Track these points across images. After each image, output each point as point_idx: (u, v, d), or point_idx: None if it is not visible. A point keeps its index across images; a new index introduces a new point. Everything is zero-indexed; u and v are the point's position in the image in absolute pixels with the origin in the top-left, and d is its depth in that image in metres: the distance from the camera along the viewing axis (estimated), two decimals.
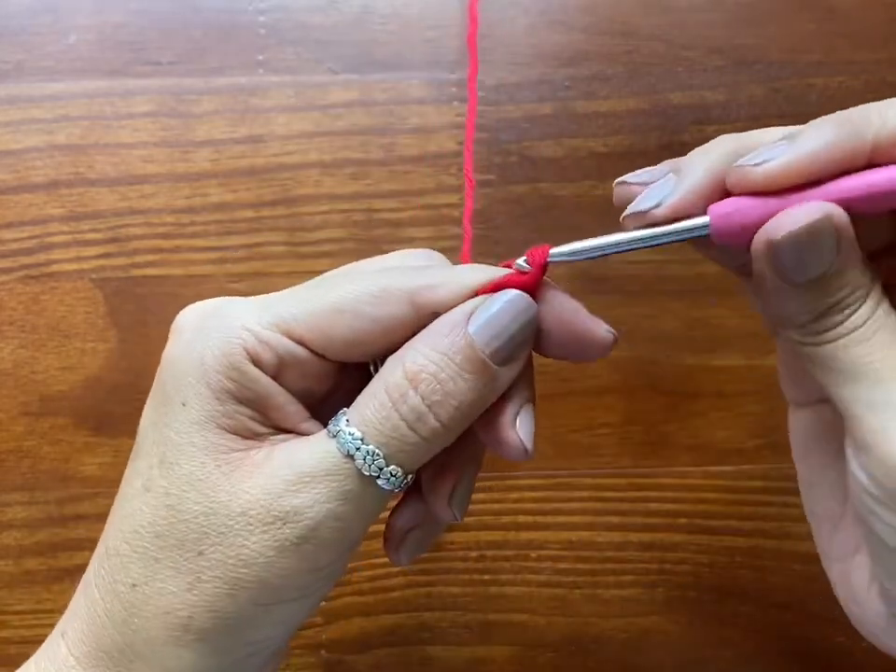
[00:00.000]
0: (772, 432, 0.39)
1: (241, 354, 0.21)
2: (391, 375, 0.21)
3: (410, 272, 0.23)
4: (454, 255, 0.39)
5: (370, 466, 0.21)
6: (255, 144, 0.39)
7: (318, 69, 0.40)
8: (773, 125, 0.41)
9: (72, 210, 0.39)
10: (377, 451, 0.21)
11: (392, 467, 0.21)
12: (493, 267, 0.23)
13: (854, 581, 0.23)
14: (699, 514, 0.39)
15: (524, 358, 0.23)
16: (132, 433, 0.40)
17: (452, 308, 0.22)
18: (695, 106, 0.40)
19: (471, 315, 0.22)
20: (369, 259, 0.25)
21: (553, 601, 0.39)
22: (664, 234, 0.22)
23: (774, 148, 0.20)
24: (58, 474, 0.38)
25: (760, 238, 0.20)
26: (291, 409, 0.23)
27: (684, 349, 0.39)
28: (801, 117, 0.42)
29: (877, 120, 0.20)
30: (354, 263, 0.25)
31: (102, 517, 0.38)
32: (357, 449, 0.21)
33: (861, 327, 0.21)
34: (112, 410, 0.38)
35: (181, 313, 0.24)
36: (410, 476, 0.22)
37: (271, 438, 0.22)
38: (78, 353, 0.39)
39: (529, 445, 0.23)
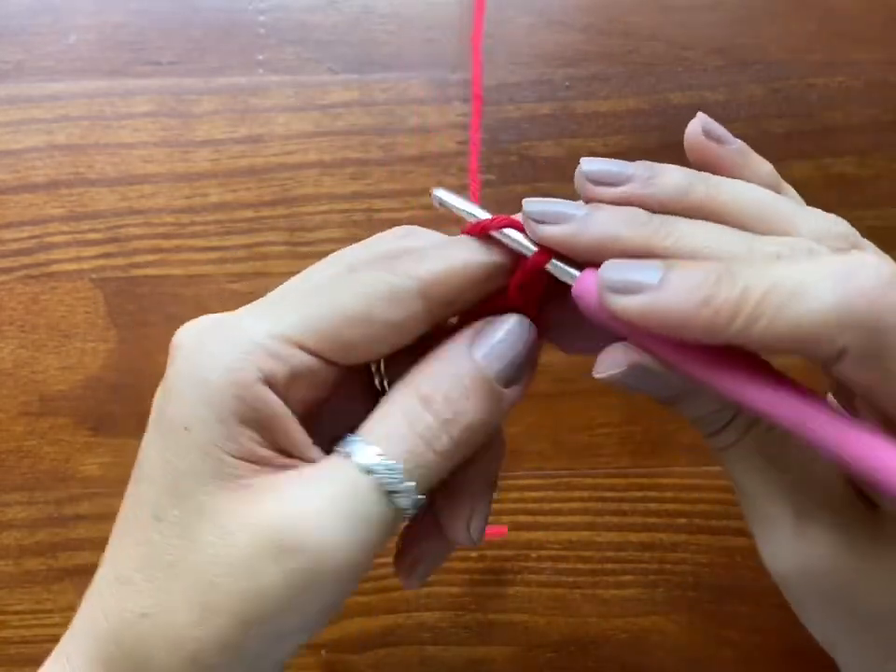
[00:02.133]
0: None
1: (251, 371, 0.20)
2: (404, 398, 0.22)
3: (409, 261, 0.22)
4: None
5: (390, 480, 0.21)
6: (255, 144, 0.39)
7: (318, 69, 0.40)
8: (773, 125, 0.42)
9: (72, 210, 0.39)
10: (397, 465, 0.21)
11: (411, 483, 0.21)
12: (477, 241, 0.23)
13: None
14: (699, 514, 0.39)
15: (527, 380, 0.23)
16: (131, 433, 0.40)
17: (465, 298, 0.22)
18: (695, 106, 0.40)
19: (474, 342, 0.22)
20: (353, 248, 0.24)
21: (553, 601, 0.39)
22: (560, 271, 0.22)
23: (642, 283, 0.19)
24: (58, 474, 0.38)
25: (595, 372, 0.21)
26: (297, 433, 0.22)
27: None
28: (801, 117, 0.42)
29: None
30: (339, 253, 0.24)
31: (102, 517, 0.38)
32: (377, 463, 0.21)
33: (730, 448, 0.22)
34: (112, 410, 0.38)
35: (181, 329, 0.22)
36: (421, 497, 0.22)
37: (275, 462, 0.21)
38: (78, 353, 0.39)
39: (477, 538, 0.24)
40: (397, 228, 0.25)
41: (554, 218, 0.22)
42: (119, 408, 0.38)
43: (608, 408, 0.39)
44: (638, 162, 0.22)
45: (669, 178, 0.22)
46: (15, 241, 0.39)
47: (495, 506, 0.39)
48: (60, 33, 0.40)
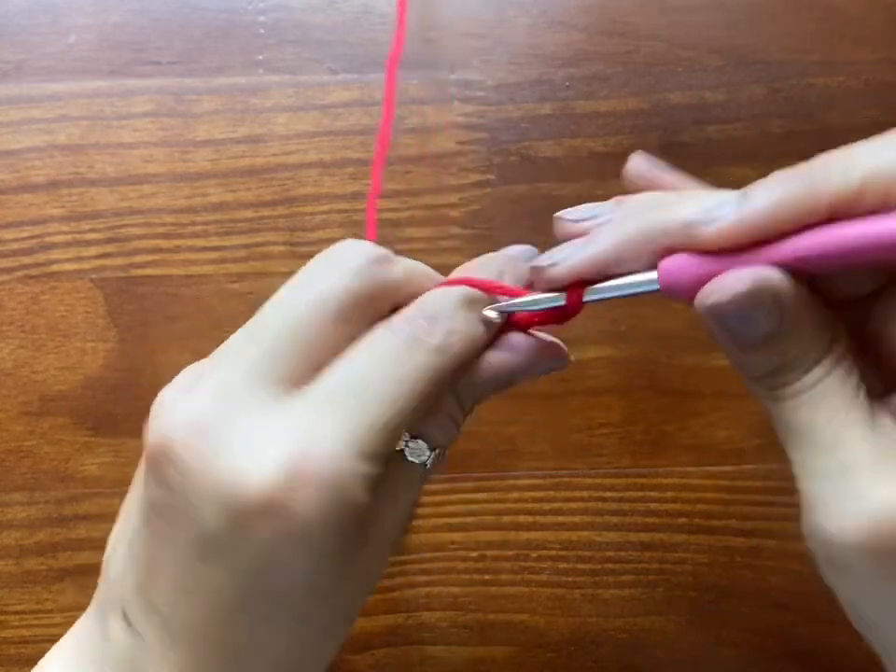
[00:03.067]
0: (772, 432, 0.39)
1: (350, 517, 0.20)
2: (454, 409, 0.24)
3: (442, 334, 0.22)
4: (454, 255, 0.39)
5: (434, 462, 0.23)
6: (255, 144, 0.39)
7: (318, 69, 0.40)
8: (773, 125, 0.42)
9: (72, 210, 0.39)
10: (444, 452, 0.23)
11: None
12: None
13: None
14: (699, 514, 0.39)
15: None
16: (132, 433, 0.40)
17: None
18: (695, 106, 0.40)
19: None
20: (314, 291, 0.22)
21: (553, 601, 0.39)
22: (613, 288, 0.22)
23: (723, 205, 0.20)
24: (58, 474, 0.38)
25: (698, 302, 0.20)
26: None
27: (684, 349, 0.39)
28: (801, 117, 0.42)
29: (836, 177, 0.19)
30: (300, 301, 0.22)
31: (102, 517, 0.38)
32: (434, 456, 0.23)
33: (809, 389, 0.20)
34: (112, 410, 0.38)
35: (260, 471, 0.20)
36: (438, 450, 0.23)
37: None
38: (78, 353, 0.39)
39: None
40: (343, 257, 0.23)
41: (564, 251, 0.22)
42: (119, 408, 0.38)
43: (608, 408, 0.39)
44: (607, 201, 0.23)
45: (638, 198, 0.23)
46: (15, 241, 0.39)
47: (495, 506, 0.39)
48: (60, 33, 0.40)
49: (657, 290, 0.21)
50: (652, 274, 0.21)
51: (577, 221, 0.23)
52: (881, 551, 0.18)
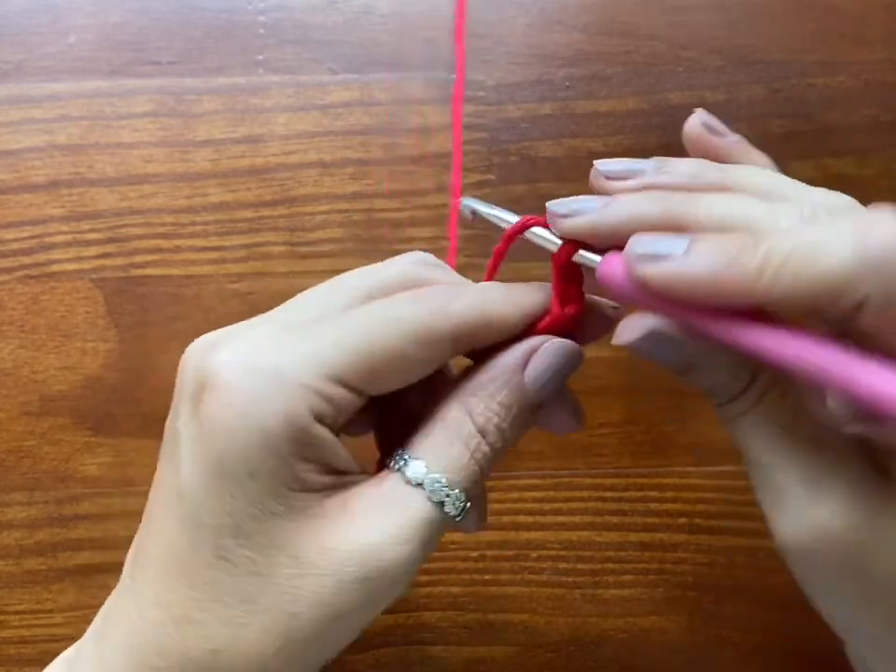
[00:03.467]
0: None
1: (307, 416, 0.21)
2: (459, 424, 0.23)
3: (452, 310, 0.23)
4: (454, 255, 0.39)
5: (455, 507, 0.23)
6: (255, 144, 0.39)
7: (318, 69, 0.40)
8: (773, 125, 0.42)
9: (72, 210, 0.39)
10: (462, 494, 0.23)
11: (458, 492, 0.23)
12: (521, 293, 0.25)
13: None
14: (699, 514, 0.39)
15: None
16: (132, 433, 0.40)
17: (489, 343, 0.24)
18: (695, 106, 0.40)
19: (526, 366, 0.23)
20: (364, 272, 0.25)
21: (553, 601, 0.39)
22: (590, 261, 0.23)
23: (672, 246, 0.20)
24: (58, 474, 0.38)
25: (613, 340, 0.22)
26: (343, 454, 0.23)
27: None
28: (801, 117, 0.42)
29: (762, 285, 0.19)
30: (349, 276, 0.25)
31: (102, 517, 0.38)
32: (447, 496, 0.22)
33: (740, 417, 0.22)
34: (112, 410, 0.38)
35: (214, 360, 0.22)
36: (468, 503, 0.23)
37: (330, 484, 0.22)
38: (78, 353, 0.39)
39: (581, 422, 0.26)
40: (409, 254, 0.26)
41: (577, 212, 0.23)
42: (119, 408, 0.38)
43: (608, 408, 0.39)
44: (650, 159, 0.23)
45: (681, 167, 0.23)
46: (15, 241, 0.39)
47: (495, 506, 0.39)
48: (60, 33, 0.40)
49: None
50: (596, 258, 0.22)
51: (616, 178, 0.23)
52: (822, 559, 0.21)
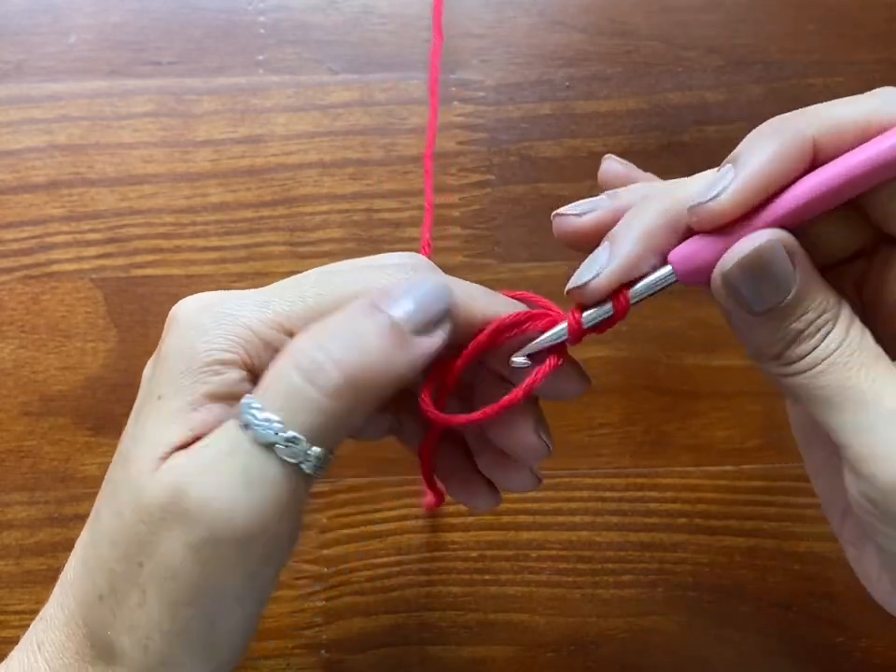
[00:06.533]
0: (772, 432, 0.39)
1: (236, 354, 0.21)
2: (297, 340, 0.21)
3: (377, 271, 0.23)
4: (453, 254, 0.39)
5: (266, 434, 0.20)
6: (255, 144, 0.39)
7: (318, 69, 0.40)
8: None
9: (72, 210, 0.39)
10: (273, 416, 0.20)
11: (290, 433, 0.20)
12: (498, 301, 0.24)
13: (866, 565, 0.24)
14: (699, 514, 0.39)
15: (443, 335, 0.22)
16: None
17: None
18: (695, 106, 0.40)
19: (388, 297, 0.22)
20: (352, 262, 0.25)
21: (553, 601, 0.39)
22: (645, 287, 0.22)
23: (721, 179, 0.20)
24: (58, 474, 0.38)
25: (715, 275, 0.21)
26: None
27: (684, 349, 0.39)
28: None
29: (813, 119, 0.20)
30: (338, 264, 0.25)
31: None
32: (253, 417, 0.20)
33: (836, 350, 0.21)
34: (112, 410, 0.38)
35: (181, 302, 0.23)
36: (315, 450, 0.20)
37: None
38: (78, 353, 0.39)
39: (551, 446, 0.25)
40: (408, 254, 0.25)
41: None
42: (119, 408, 0.38)
43: (608, 408, 0.39)
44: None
45: (631, 189, 0.23)
46: (15, 241, 0.39)
47: None
48: (60, 33, 0.40)
49: (676, 280, 0.22)
50: (667, 269, 0.22)
51: (577, 216, 0.23)
52: None
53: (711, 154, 0.40)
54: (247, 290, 0.23)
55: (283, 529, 0.21)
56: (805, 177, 0.20)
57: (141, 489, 0.20)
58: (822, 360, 0.21)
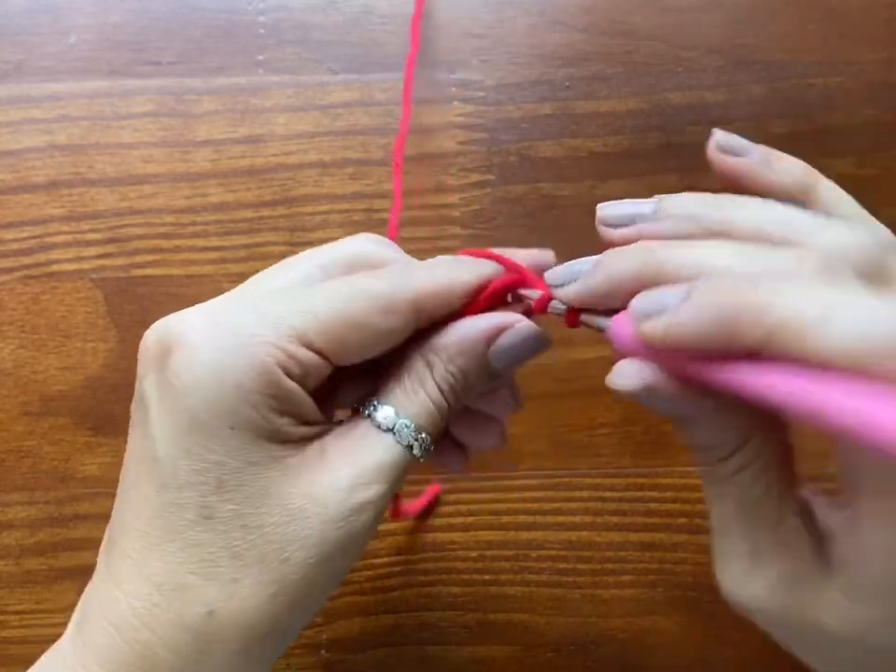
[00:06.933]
0: None
1: (277, 370, 0.22)
2: (421, 375, 0.24)
3: (413, 280, 0.24)
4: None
5: (418, 445, 0.24)
6: (255, 144, 0.39)
7: (318, 69, 0.40)
8: (773, 125, 0.42)
9: (72, 210, 0.39)
10: (425, 436, 0.24)
11: (424, 434, 0.24)
12: (472, 261, 0.26)
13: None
14: (699, 514, 0.39)
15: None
16: None
17: (452, 310, 0.25)
18: (695, 106, 0.40)
19: (491, 339, 0.24)
20: (322, 249, 0.26)
21: (553, 601, 0.39)
22: (593, 322, 0.23)
23: (670, 299, 0.19)
24: (58, 474, 0.38)
25: (607, 381, 0.22)
26: (311, 407, 0.24)
27: None
28: (801, 117, 0.42)
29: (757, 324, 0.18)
30: (307, 254, 0.26)
31: (102, 517, 0.38)
32: (415, 440, 0.24)
33: (721, 480, 0.22)
34: (112, 410, 0.38)
35: (183, 325, 0.23)
36: (433, 445, 0.25)
37: (307, 434, 0.24)
38: (78, 353, 0.39)
39: (522, 401, 0.28)
40: (359, 235, 0.27)
41: (570, 277, 0.23)
42: (119, 408, 0.38)
43: (608, 408, 0.39)
44: (651, 199, 0.23)
45: (682, 209, 0.22)
46: (15, 241, 0.39)
47: (495, 506, 0.39)
48: (60, 33, 0.40)
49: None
50: (608, 323, 0.22)
51: (615, 224, 0.23)
52: (760, 619, 0.24)
53: None
54: (235, 301, 0.25)
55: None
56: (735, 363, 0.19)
57: (288, 497, 0.23)
58: (714, 481, 0.22)
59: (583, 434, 0.39)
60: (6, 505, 0.38)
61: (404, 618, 0.38)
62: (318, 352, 0.23)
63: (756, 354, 0.18)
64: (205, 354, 0.22)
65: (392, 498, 0.26)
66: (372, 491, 0.23)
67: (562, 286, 0.23)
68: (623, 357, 0.21)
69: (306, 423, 0.24)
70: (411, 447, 0.24)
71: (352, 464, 0.23)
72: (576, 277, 0.23)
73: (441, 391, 0.24)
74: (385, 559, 0.38)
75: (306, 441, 0.23)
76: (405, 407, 0.24)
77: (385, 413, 0.24)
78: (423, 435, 0.24)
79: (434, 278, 0.24)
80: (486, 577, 0.39)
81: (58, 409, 0.38)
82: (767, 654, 0.39)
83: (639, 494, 0.39)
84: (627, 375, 0.21)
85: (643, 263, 0.21)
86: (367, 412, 0.24)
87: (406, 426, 0.24)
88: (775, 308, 0.17)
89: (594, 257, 0.23)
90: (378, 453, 0.23)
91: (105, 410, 0.38)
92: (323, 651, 0.38)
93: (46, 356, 0.39)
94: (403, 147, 0.37)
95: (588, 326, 0.23)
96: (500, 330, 0.24)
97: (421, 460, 0.24)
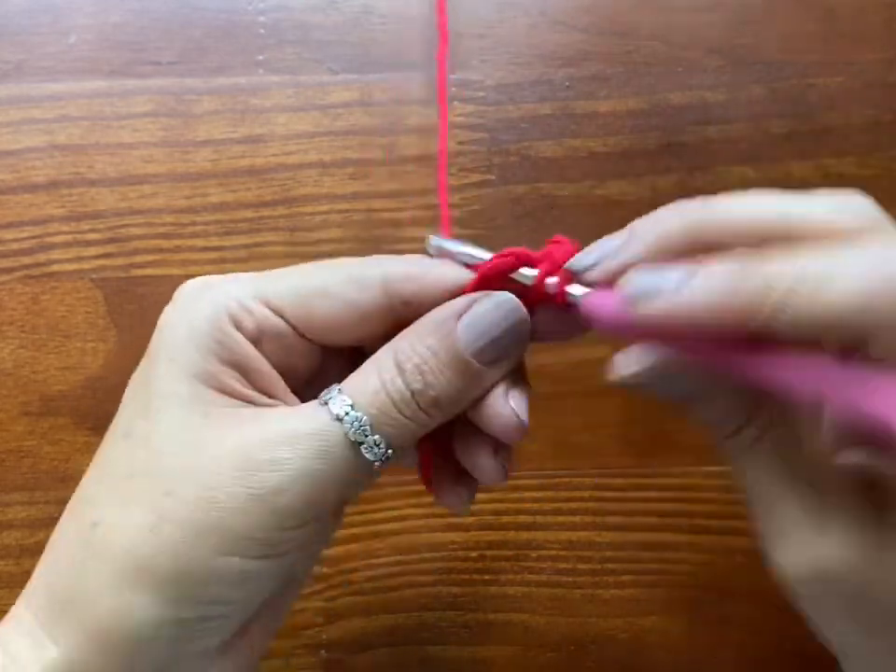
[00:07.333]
0: None
1: (225, 318, 0.23)
2: (382, 359, 0.23)
3: (386, 261, 0.24)
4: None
5: (356, 431, 0.22)
6: (255, 144, 0.39)
7: (318, 69, 0.40)
8: (773, 125, 0.42)
9: (72, 210, 0.39)
10: (364, 418, 0.22)
11: (377, 436, 0.22)
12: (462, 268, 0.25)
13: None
14: (699, 514, 0.39)
15: (514, 359, 0.24)
16: None
17: (423, 300, 0.23)
18: (695, 106, 0.40)
19: (461, 314, 0.23)
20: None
21: (553, 601, 0.39)
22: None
23: (669, 280, 0.19)
24: (58, 474, 0.38)
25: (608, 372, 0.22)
26: (273, 377, 0.24)
27: None
28: (801, 117, 0.42)
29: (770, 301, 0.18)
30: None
31: None
32: (346, 413, 0.22)
33: (743, 452, 0.22)
34: (112, 410, 0.38)
35: (181, 286, 0.25)
36: (392, 451, 0.23)
37: (258, 401, 0.23)
38: (78, 353, 0.39)
39: (524, 416, 0.24)
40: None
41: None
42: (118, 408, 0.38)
43: (608, 408, 0.39)
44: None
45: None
46: (15, 241, 0.39)
47: (495, 506, 0.39)
48: (60, 33, 0.40)
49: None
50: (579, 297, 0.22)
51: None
52: (824, 592, 0.21)
53: (711, 154, 0.40)
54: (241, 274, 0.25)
55: (330, 508, 0.23)
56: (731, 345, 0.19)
57: (198, 436, 0.22)
58: (733, 454, 0.23)
59: (584, 434, 0.39)
60: (6, 505, 0.38)
61: (404, 618, 0.38)
62: (279, 313, 0.23)
63: (759, 336, 0.18)
64: (185, 302, 0.24)
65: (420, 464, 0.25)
66: (284, 451, 0.21)
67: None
68: (598, 330, 0.22)
69: (261, 390, 0.23)
70: (360, 444, 0.22)
71: (273, 428, 0.22)
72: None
73: (399, 376, 0.22)
74: (385, 559, 0.38)
75: (257, 404, 0.23)
76: (361, 396, 0.22)
77: (340, 401, 0.22)
78: (375, 437, 0.22)
79: (407, 263, 0.24)
80: (486, 577, 0.39)
81: (58, 409, 0.38)
82: (767, 654, 0.39)
83: (640, 494, 0.39)
84: (628, 362, 0.21)
85: (690, 221, 0.21)
86: (324, 398, 0.23)
87: (357, 420, 0.22)
88: (784, 273, 0.17)
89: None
90: (301, 421, 0.22)
91: (105, 410, 0.38)
92: (323, 651, 0.38)
93: (46, 356, 0.39)
94: (446, 144, 0.37)
95: (570, 298, 0.23)
96: (470, 305, 0.23)
97: (376, 465, 0.23)
